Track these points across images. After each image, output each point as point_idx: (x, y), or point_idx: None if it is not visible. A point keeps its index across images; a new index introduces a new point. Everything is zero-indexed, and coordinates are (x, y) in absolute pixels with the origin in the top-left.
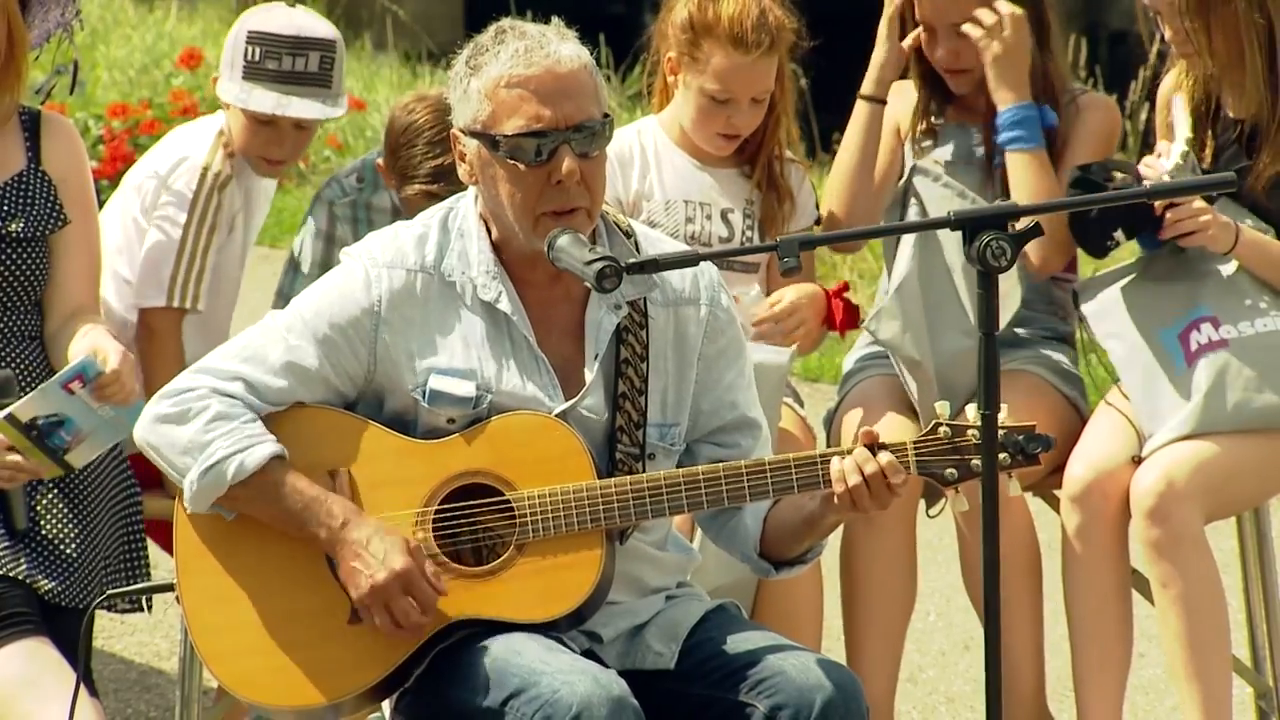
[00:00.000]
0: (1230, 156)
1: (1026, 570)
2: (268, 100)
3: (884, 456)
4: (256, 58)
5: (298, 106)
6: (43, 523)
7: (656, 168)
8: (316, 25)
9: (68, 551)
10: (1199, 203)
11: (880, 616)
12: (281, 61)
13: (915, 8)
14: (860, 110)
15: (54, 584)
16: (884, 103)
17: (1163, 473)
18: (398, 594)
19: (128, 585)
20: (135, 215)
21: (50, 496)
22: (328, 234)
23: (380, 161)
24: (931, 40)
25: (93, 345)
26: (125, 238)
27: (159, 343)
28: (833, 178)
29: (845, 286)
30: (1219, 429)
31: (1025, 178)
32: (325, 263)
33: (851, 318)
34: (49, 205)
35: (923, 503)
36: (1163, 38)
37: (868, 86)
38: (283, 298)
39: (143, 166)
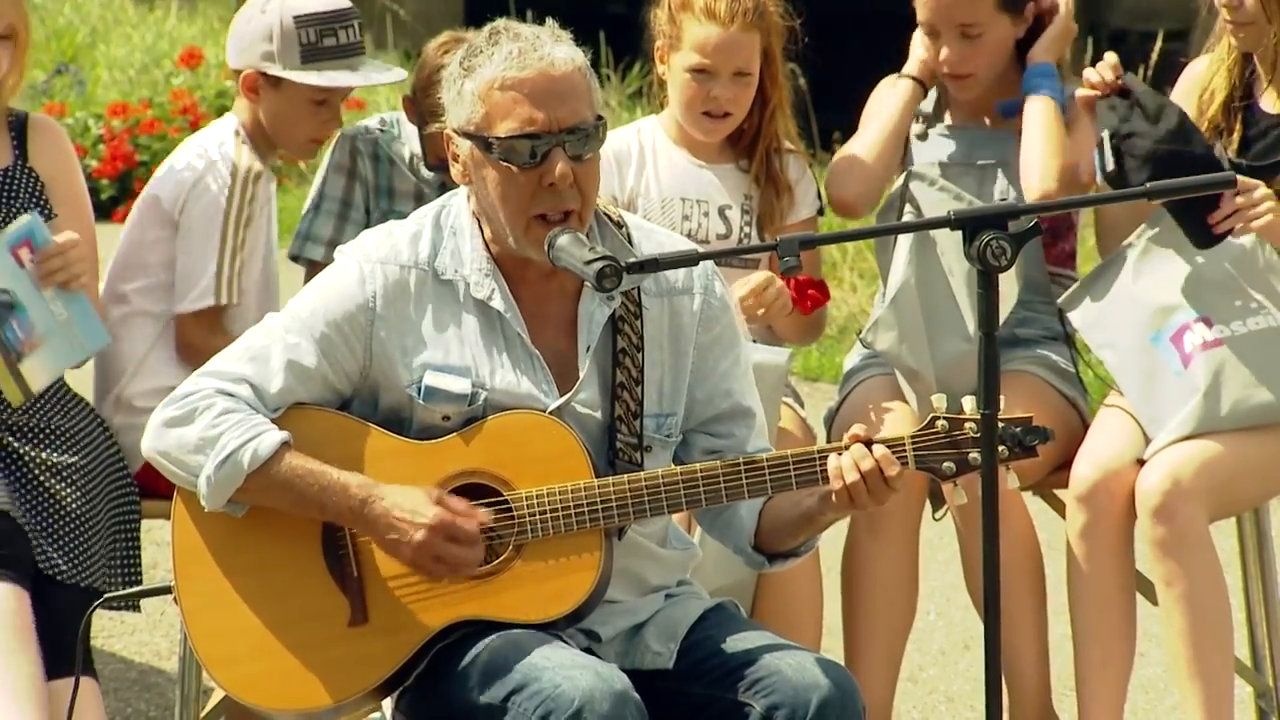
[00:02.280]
0: (1260, 150)
1: (1028, 569)
2: (352, 78)
3: (878, 450)
4: (313, 39)
5: (376, 75)
6: (50, 491)
7: (653, 165)
8: None
9: (67, 530)
10: (1262, 189)
11: (881, 623)
12: (338, 36)
13: (916, 9)
14: (906, 87)
15: (52, 555)
16: (926, 86)
17: (1168, 471)
18: (441, 543)
19: (120, 586)
20: (157, 230)
21: (57, 485)
22: (350, 169)
23: (407, 94)
24: (935, 43)
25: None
26: (144, 244)
27: (214, 338)
28: (855, 158)
29: (807, 279)
30: (1219, 428)
31: (1045, 120)
32: (347, 199)
33: (812, 299)
34: (35, 200)
35: (929, 506)
36: (1210, 9)
37: (912, 66)
38: (300, 238)
39: (163, 179)
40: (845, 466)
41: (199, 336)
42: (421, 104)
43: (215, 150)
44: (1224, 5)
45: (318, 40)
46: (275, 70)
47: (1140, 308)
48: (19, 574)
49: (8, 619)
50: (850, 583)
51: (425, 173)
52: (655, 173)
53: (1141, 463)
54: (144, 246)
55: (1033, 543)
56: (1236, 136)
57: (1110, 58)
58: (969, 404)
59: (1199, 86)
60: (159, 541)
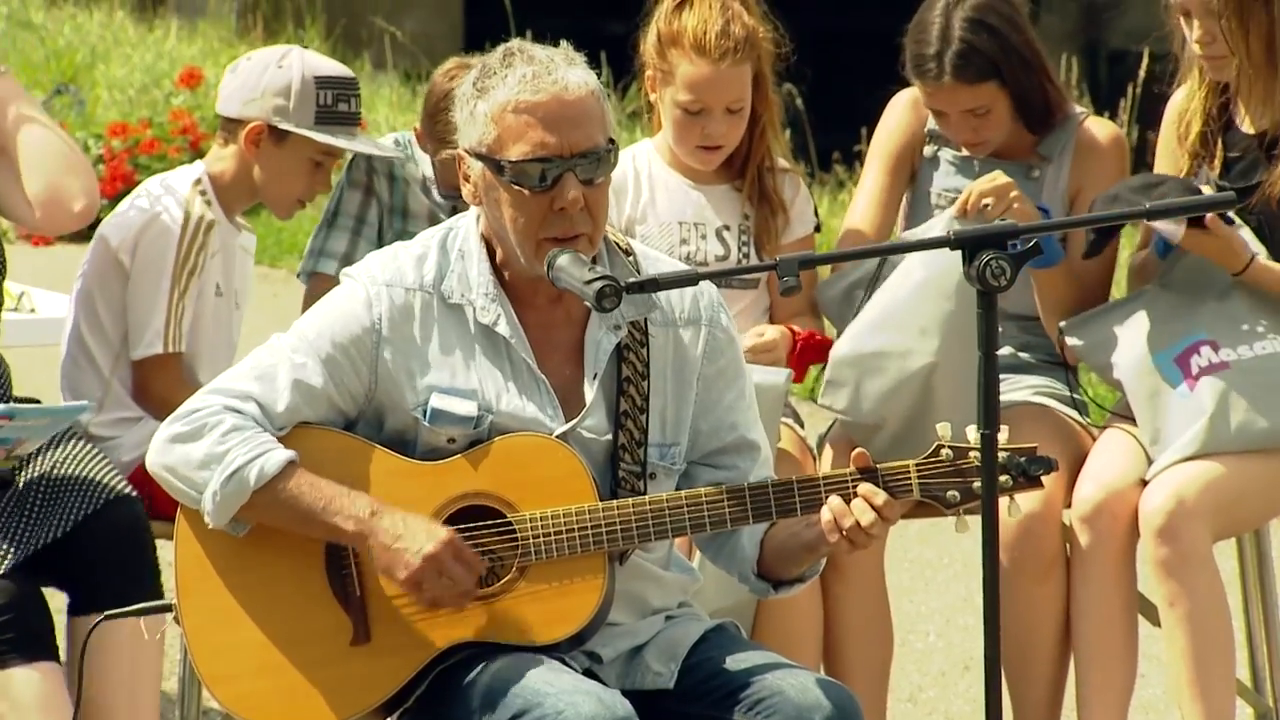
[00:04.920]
0: (1240, 171)
1: (1056, 585)
2: (362, 143)
3: (862, 488)
4: (329, 102)
5: (381, 142)
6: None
7: (650, 191)
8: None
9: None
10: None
11: (859, 665)
12: (349, 104)
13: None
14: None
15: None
16: None
17: (1172, 491)
18: (450, 560)
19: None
20: (108, 269)
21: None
22: (366, 186)
23: (417, 127)
24: (945, 122)
25: None
26: (94, 283)
27: (172, 387)
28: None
29: (811, 335)
30: (1223, 450)
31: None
32: (362, 216)
33: (811, 356)
34: None
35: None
36: (1182, 43)
37: None
38: (313, 255)
39: (114, 221)
40: (838, 514)
41: (158, 383)
42: (430, 130)
43: (167, 197)
44: (1197, 41)
45: (333, 104)
46: (288, 126)
47: (1145, 329)
48: (49, 645)
49: (38, 702)
50: (823, 629)
51: (438, 196)
52: (653, 199)
53: (1145, 483)
54: (94, 284)
55: (1060, 558)
56: (1219, 160)
57: None
58: (973, 433)
59: (1178, 117)
60: (160, 561)
